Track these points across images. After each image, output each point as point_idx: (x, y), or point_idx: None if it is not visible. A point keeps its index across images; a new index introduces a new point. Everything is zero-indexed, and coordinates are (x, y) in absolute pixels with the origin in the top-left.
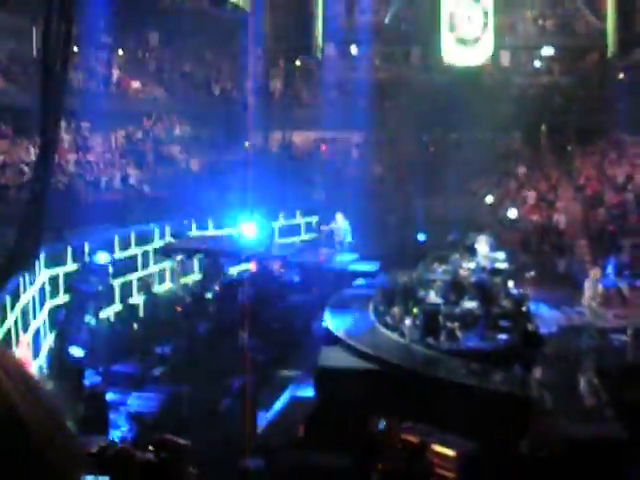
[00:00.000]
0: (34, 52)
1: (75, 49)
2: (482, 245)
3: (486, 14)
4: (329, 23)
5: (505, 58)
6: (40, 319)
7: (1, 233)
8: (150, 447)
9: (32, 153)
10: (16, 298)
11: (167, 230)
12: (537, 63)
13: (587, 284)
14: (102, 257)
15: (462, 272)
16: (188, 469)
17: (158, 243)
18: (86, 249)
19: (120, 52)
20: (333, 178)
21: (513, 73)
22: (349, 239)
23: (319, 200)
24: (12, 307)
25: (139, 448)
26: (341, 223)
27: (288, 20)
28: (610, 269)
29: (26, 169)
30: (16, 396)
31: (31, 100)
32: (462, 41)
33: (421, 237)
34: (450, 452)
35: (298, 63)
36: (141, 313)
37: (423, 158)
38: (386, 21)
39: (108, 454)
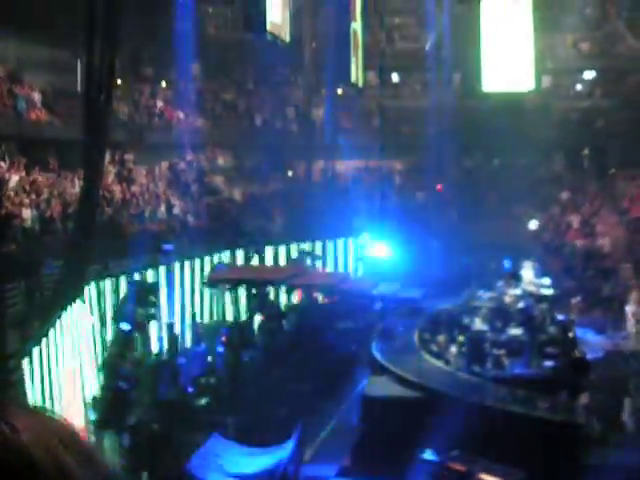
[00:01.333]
0: (78, 85)
1: (119, 81)
2: (527, 271)
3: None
4: (370, 51)
5: (546, 82)
6: (87, 350)
7: (48, 266)
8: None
9: (77, 185)
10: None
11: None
12: (578, 86)
13: (630, 308)
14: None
15: (507, 299)
16: None
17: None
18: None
19: (163, 84)
20: (376, 205)
21: (554, 97)
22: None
23: (361, 228)
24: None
25: None
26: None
27: (328, 49)
28: None
29: (72, 201)
30: (74, 467)
31: (75, 133)
32: (502, 66)
33: (506, 264)
34: None
35: (340, 92)
36: (187, 343)
37: (466, 184)
38: (427, 48)
39: None
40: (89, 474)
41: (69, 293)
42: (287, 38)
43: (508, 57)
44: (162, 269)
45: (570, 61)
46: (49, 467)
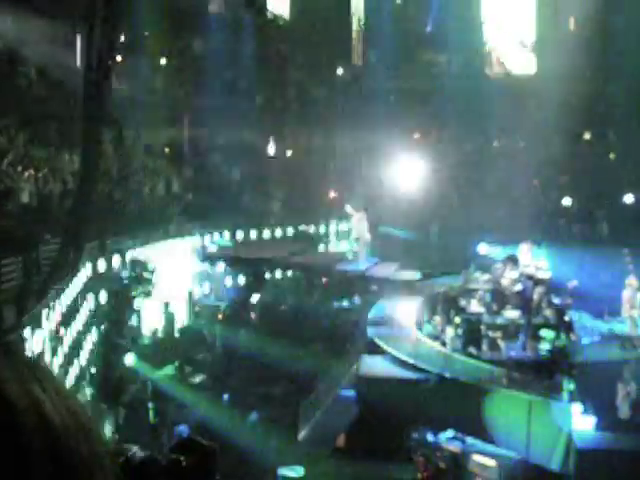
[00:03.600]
0: (77, 60)
1: (118, 58)
2: (524, 254)
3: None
4: (371, 32)
5: (547, 65)
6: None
7: (45, 243)
8: (174, 450)
9: (75, 161)
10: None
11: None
12: (579, 71)
13: (626, 293)
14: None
15: (504, 281)
16: (215, 474)
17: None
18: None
19: (163, 60)
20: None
21: (555, 80)
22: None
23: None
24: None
25: (166, 452)
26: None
27: (330, 29)
28: None
29: (70, 178)
30: (48, 404)
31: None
32: (504, 50)
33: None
34: (491, 462)
35: (340, 72)
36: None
37: (465, 166)
38: (428, 29)
39: (133, 461)
40: (58, 407)
41: (66, 270)
42: (287, 16)
43: (509, 39)
44: (159, 246)
45: (572, 45)
46: (23, 404)
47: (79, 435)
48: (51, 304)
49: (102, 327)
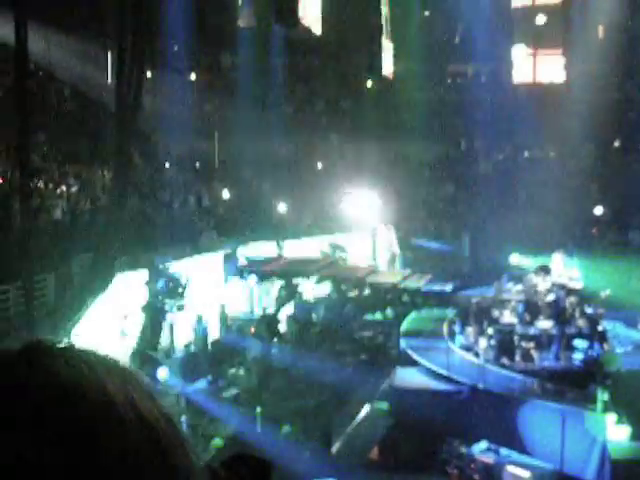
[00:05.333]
0: (108, 77)
1: (149, 74)
2: (557, 264)
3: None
4: (399, 43)
5: (574, 73)
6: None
7: (78, 257)
8: (229, 464)
9: (107, 177)
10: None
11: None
12: (609, 78)
13: None
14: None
15: (537, 292)
16: None
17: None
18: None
19: (193, 76)
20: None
21: (584, 89)
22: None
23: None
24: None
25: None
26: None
27: (359, 41)
28: None
29: (101, 194)
30: (144, 404)
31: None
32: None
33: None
34: (525, 474)
35: (369, 84)
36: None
37: (495, 176)
38: (456, 41)
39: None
40: (153, 408)
41: (98, 284)
42: (318, 31)
43: (538, 49)
44: (192, 260)
45: (600, 52)
46: (121, 399)
47: (177, 441)
48: (84, 318)
49: (136, 341)
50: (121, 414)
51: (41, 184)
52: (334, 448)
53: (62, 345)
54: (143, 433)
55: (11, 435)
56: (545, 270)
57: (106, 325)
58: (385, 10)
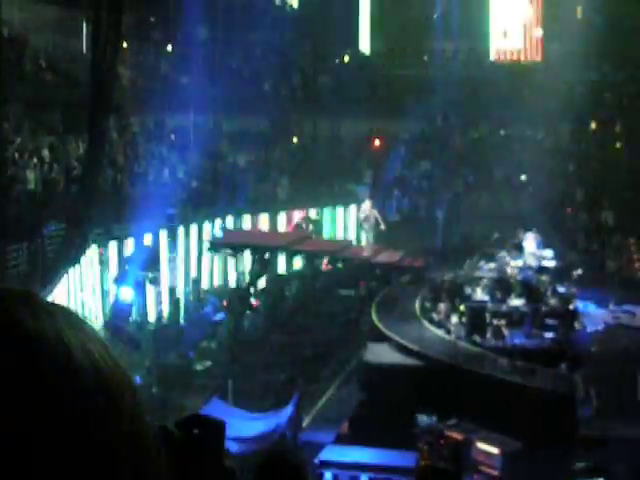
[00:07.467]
0: (84, 47)
1: (124, 44)
2: (530, 243)
3: (535, 11)
4: (377, 19)
5: (554, 53)
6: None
7: (50, 227)
8: (182, 424)
9: (81, 148)
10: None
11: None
12: (586, 58)
13: None
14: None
15: (509, 270)
16: (224, 447)
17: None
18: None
19: (169, 48)
20: (382, 173)
21: (562, 68)
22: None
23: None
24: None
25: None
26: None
27: (336, 16)
28: None
29: (75, 164)
30: (97, 355)
31: (80, 96)
32: (510, 37)
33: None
34: (494, 450)
35: (347, 59)
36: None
37: (471, 154)
38: (434, 17)
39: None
40: (106, 356)
41: (71, 255)
42: (296, 3)
43: (516, 27)
44: (164, 233)
45: (579, 33)
46: (85, 362)
47: (129, 393)
48: (55, 289)
49: (107, 313)
50: (77, 360)
51: (15, 154)
52: (304, 423)
53: (24, 293)
54: (96, 379)
55: None
56: (518, 248)
57: (78, 296)
58: None
